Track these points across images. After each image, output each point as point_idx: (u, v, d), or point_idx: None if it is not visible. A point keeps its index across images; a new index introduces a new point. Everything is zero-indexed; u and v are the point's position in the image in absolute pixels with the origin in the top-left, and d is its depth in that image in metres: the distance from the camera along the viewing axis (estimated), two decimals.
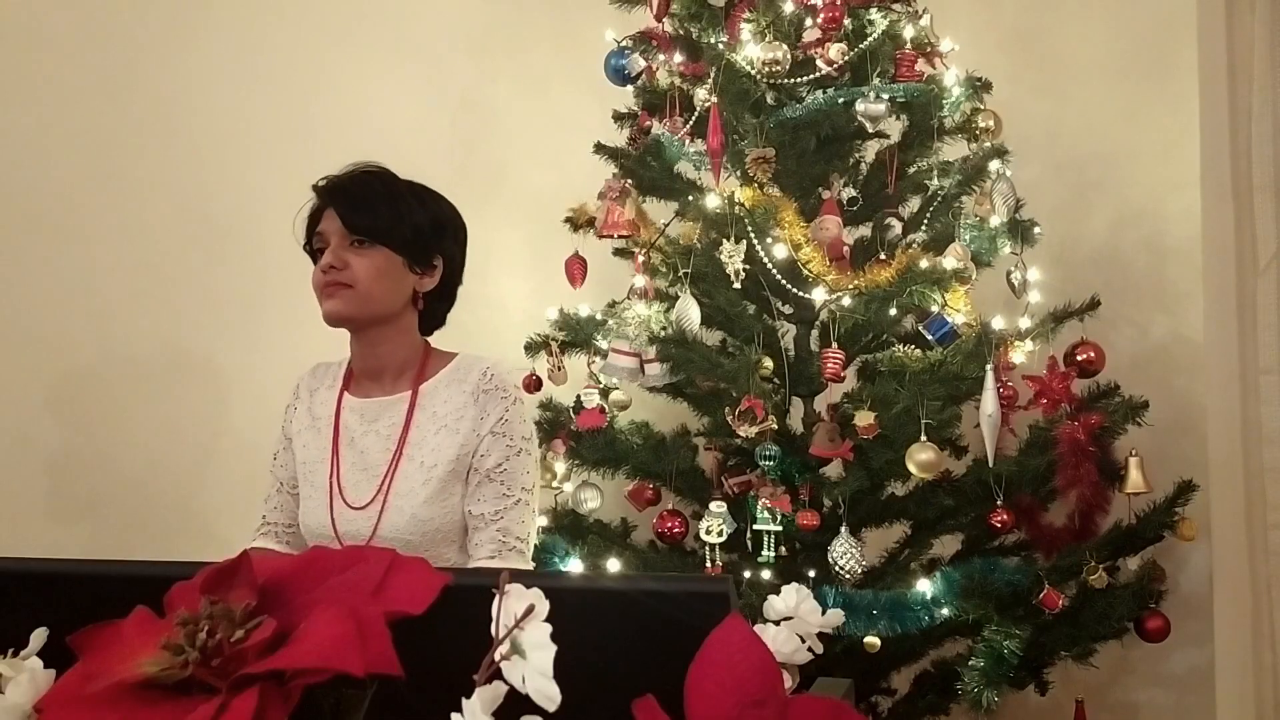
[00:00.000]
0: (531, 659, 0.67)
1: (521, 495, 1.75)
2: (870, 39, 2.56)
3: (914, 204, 2.78)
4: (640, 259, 2.62)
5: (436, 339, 1.88)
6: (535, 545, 1.83)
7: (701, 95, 2.58)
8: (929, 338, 2.45)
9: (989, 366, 2.37)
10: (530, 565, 1.78)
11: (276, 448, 1.92)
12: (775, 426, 2.40)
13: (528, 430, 1.81)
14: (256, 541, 1.88)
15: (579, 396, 2.67)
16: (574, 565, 2.56)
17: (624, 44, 2.76)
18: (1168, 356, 3.02)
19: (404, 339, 1.82)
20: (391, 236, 1.75)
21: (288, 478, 1.89)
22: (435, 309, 1.87)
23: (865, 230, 2.75)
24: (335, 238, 1.75)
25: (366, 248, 1.75)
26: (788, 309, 2.66)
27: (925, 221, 2.71)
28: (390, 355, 1.82)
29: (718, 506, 2.47)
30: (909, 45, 2.59)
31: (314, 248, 1.81)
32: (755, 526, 2.40)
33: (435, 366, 1.82)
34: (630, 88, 2.79)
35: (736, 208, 2.45)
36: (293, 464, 1.88)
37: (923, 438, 2.34)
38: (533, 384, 2.71)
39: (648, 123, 2.72)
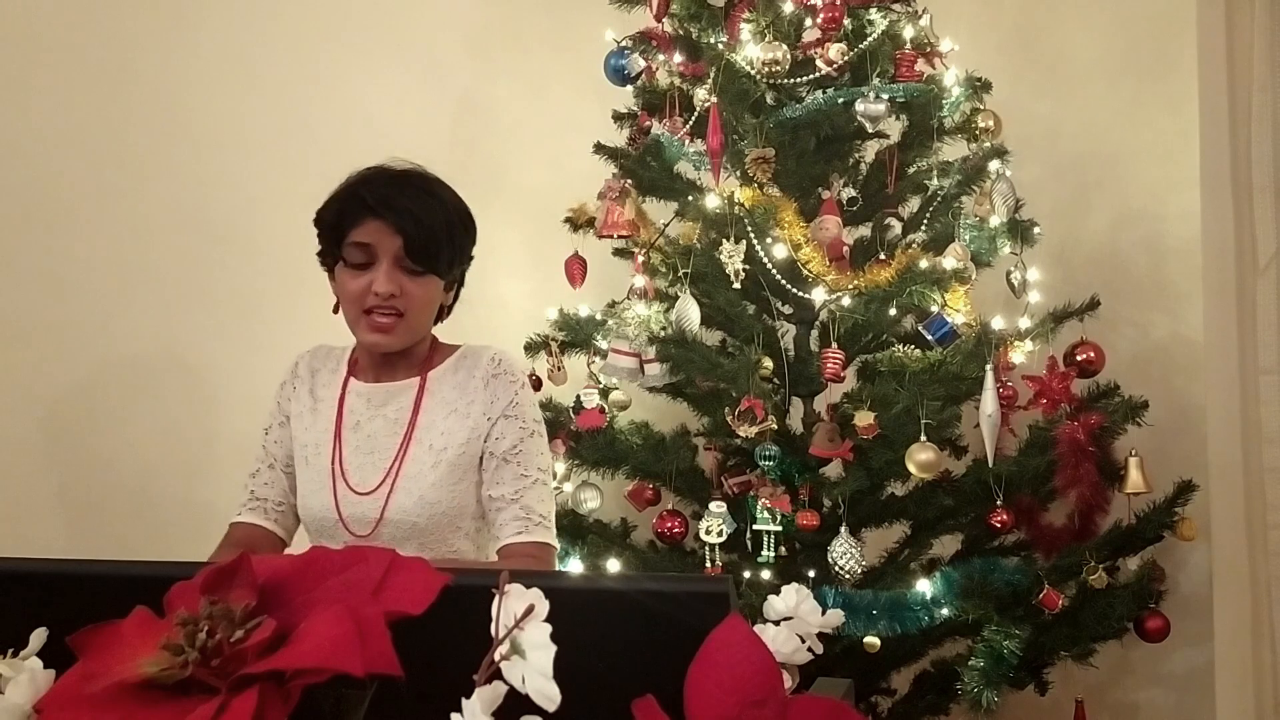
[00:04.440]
0: (531, 659, 0.67)
1: (538, 475, 1.76)
2: (870, 39, 2.56)
3: (914, 204, 2.78)
4: (640, 259, 2.63)
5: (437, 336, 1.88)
6: None
7: (701, 95, 2.58)
8: (929, 338, 2.45)
9: (989, 366, 2.37)
10: (555, 543, 1.78)
11: (270, 423, 1.88)
12: (775, 426, 2.40)
13: (537, 414, 1.82)
14: (243, 516, 1.83)
15: (579, 396, 2.67)
16: (574, 565, 2.56)
17: (624, 44, 2.76)
18: (1168, 356, 3.02)
19: (423, 342, 1.84)
20: (444, 266, 1.74)
21: (282, 455, 1.86)
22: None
23: (865, 230, 2.75)
24: (389, 258, 1.69)
25: (422, 275, 1.71)
26: (788, 309, 2.66)
27: (925, 221, 2.71)
28: (407, 356, 1.82)
29: (717, 506, 2.47)
30: (909, 45, 2.59)
31: (347, 257, 1.72)
32: (755, 526, 2.40)
33: (442, 355, 1.84)
34: (630, 88, 2.79)
35: (736, 208, 2.45)
36: (288, 442, 1.86)
37: (923, 438, 2.34)
38: (533, 384, 2.71)
39: (647, 123, 2.72)
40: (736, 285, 2.48)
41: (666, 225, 2.75)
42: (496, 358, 1.80)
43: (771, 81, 2.56)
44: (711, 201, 2.48)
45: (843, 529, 2.41)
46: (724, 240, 2.46)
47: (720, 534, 2.44)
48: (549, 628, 0.68)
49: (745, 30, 2.57)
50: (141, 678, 0.68)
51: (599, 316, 2.68)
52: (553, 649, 0.67)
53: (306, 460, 1.83)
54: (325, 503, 1.78)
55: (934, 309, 2.43)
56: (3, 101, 2.45)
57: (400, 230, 1.68)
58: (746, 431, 2.35)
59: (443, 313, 1.85)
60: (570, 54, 3.09)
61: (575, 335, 2.70)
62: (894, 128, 2.71)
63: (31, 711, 0.77)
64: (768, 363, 2.49)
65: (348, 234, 1.71)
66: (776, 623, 0.91)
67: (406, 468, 1.75)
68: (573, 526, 2.71)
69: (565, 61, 3.22)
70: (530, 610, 0.69)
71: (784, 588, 0.93)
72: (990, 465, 2.42)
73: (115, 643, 0.72)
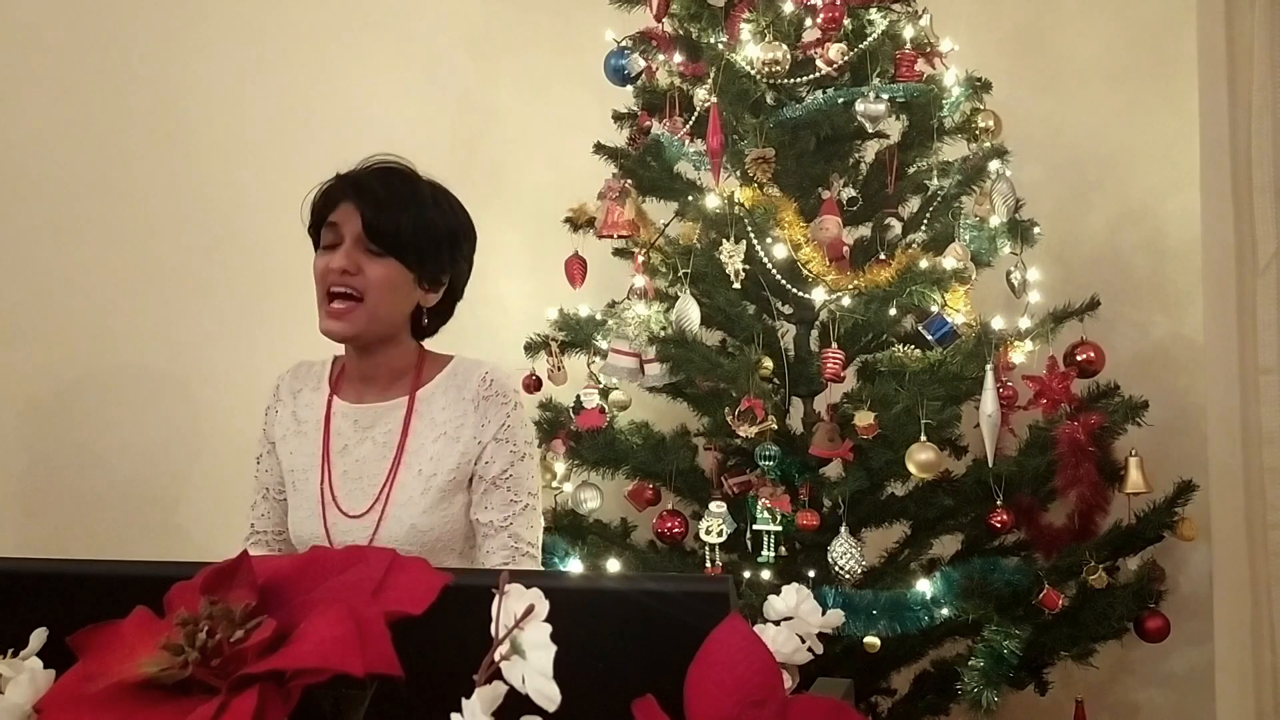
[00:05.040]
0: (531, 659, 0.67)
1: (528, 500, 1.74)
2: (870, 39, 2.56)
3: (914, 204, 2.78)
4: (640, 259, 2.62)
5: (434, 339, 1.87)
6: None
7: (701, 95, 2.58)
8: (929, 338, 2.45)
9: (989, 366, 2.37)
10: (541, 570, 1.78)
11: (259, 451, 1.87)
12: (775, 426, 2.40)
13: (529, 434, 1.80)
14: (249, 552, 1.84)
15: (579, 396, 2.67)
16: (574, 565, 2.56)
17: (624, 44, 2.76)
18: (1168, 356, 3.01)
19: (400, 348, 1.79)
20: (409, 252, 1.71)
21: (273, 483, 1.85)
22: (432, 322, 1.84)
23: (865, 230, 2.75)
24: (350, 237, 1.70)
25: (381, 257, 1.70)
26: (788, 309, 2.66)
27: (925, 221, 2.71)
28: (385, 362, 1.79)
29: (717, 506, 2.47)
30: (909, 45, 2.59)
31: (321, 239, 1.74)
32: (755, 526, 2.40)
33: (431, 371, 1.80)
34: (630, 88, 2.78)
35: (736, 208, 2.45)
36: (278, 469, 1.84)
37: (922, 438, 2.34)
38: (533, 384, 2.71)
39: (647, 123, 2.72)
40: (736, 285, 2.48)
41: (666, 225, 2.75)
42: (488, 377, 1.76)
43: (771, 81, 2.56)
44: (711, 201, 2.48)
45: (843, 529, 2.41)
46: (724, 240, 2.46)
47: (720, 534, 2.44)
48: (549, 628, 0.68)
49: (745, 30, 2.57)
50: (141, 678, 0.68)
51: (599, 316, 2.68)
52: (553, 649, 0.67)
53: (295, 485, 1.80)
54: (315, 530, 1.76)
55: (934, 309, 2.43)
56: (3, 101, 2.45)
57: (360, 209, 1.69)
58: (746, 431, 2.35)
59: (420, 317, 1.80)
60: (571, 54, 3.09)
61: (575, 335, 2.70)
62: (894, 128, 2.71)
63: (31, 711, 0.77)
64: (768, 363, 2.49)
65: (327, 218, 1.73)
66: (776, 623, 0.91)
67: (395, 494, 1.72)
68: (573, 526, 2.71)
69: (565, 62, 3.22)
70: (530, 610, 0.69)
71: (784, 588, 0.93)
72: (990, 465, 2.41)
73: (115, 643, 0.72)
